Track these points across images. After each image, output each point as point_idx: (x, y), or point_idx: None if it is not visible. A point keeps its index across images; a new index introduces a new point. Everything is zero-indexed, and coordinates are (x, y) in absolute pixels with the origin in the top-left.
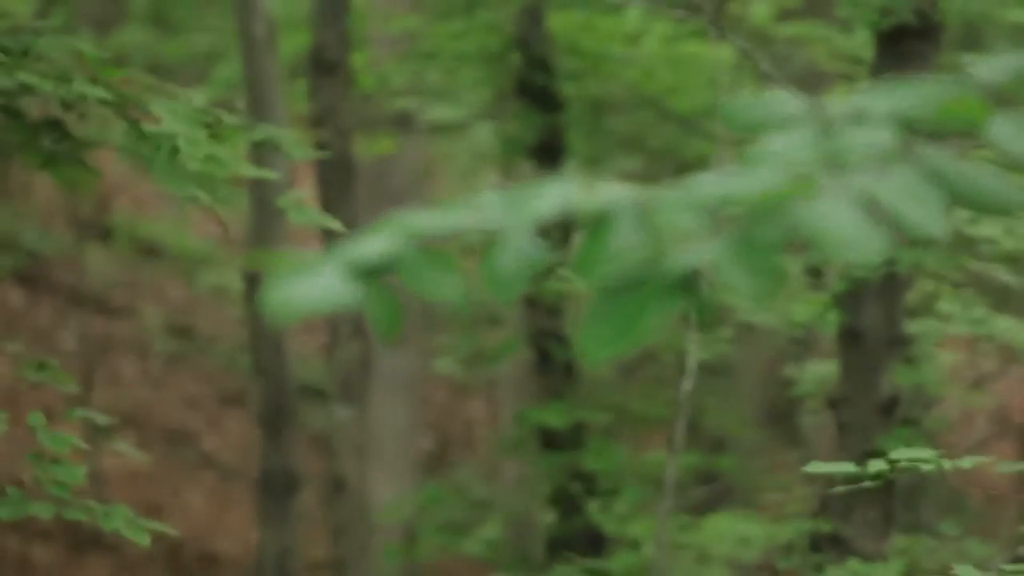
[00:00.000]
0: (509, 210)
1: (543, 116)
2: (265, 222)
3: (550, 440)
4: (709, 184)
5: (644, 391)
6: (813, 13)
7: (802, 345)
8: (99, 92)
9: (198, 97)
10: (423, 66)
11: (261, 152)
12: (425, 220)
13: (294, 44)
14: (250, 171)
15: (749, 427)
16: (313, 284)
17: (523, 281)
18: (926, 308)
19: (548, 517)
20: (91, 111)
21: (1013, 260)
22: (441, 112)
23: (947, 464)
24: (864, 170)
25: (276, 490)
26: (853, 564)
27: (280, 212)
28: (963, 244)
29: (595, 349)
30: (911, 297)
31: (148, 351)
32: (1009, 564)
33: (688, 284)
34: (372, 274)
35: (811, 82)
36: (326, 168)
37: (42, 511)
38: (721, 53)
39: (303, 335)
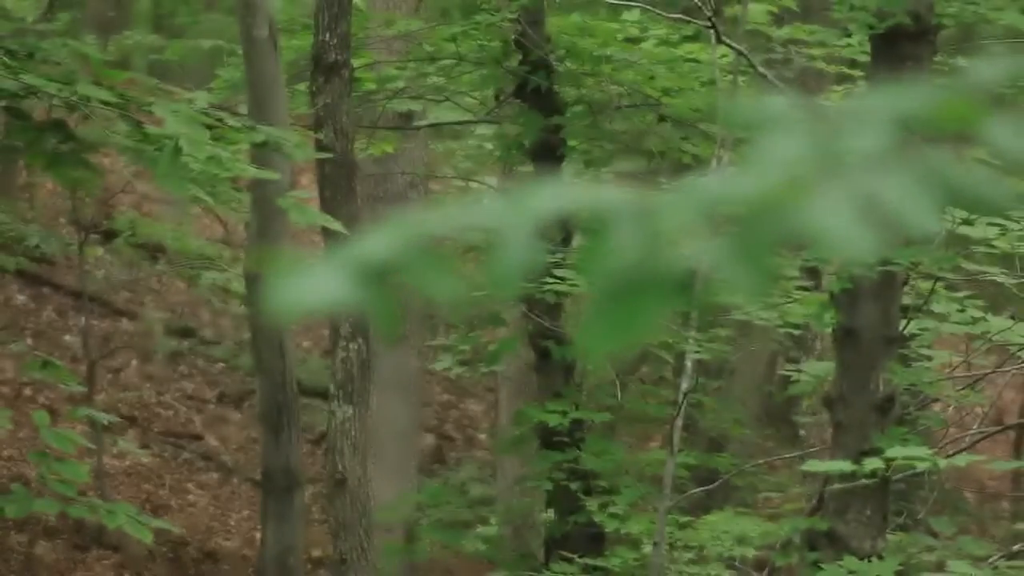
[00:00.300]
0: (509, 210)
1: (543, 117)
2: (267, 222)
3: (549, 439)
4: (708, 185)
5: (644, 391)
6: (810, 16)
7: (799, 345)
8: (103, 94)
9: (201, 99)
10: (424, 68)
11: (263, 153)
12: (425, 220)
13: (296, 46)
14: (252, 172)
15: (746, 426)
16: (314, 284)
17: (522, 281)
18: (922, 308)
19: (548, 515)
20: (95, 113)
21: (1007, 260)
22: (441, 113)
23: (942, 462)
24: (861, 170)
25: (278, 489)
26: (849, 561)
27: (282, 212)
28: (958, 244)
29: (595, 346)
30: (906, 297)
31: (150, 351)
32: (1003, 561)
33: (686, 284)
34: (373, 274)
35: (809, 84)
36: (327, 169)
37: (47, 508)
38: (719, 55)
39: (303, 335)
